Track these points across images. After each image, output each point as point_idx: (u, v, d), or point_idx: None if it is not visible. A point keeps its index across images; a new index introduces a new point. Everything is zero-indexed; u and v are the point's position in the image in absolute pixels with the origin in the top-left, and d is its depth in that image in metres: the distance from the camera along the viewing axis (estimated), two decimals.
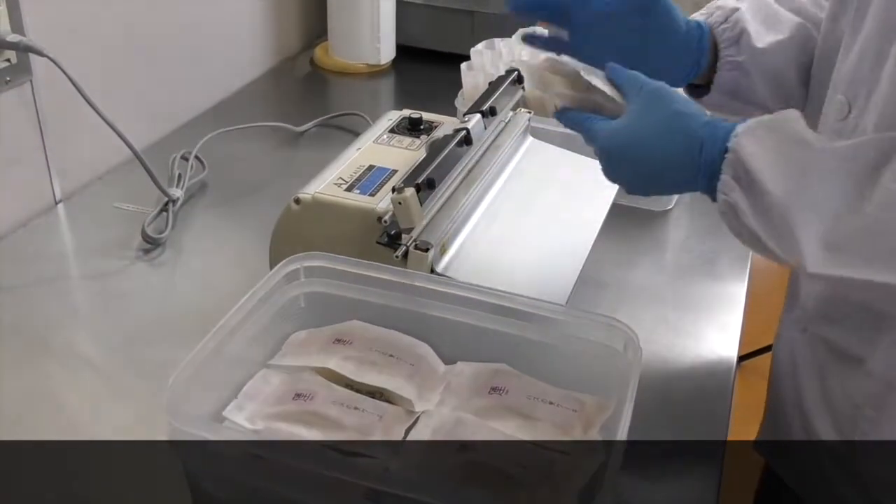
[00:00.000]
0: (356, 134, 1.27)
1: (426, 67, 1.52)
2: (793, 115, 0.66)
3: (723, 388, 0.87)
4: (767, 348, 1.70)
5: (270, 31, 1.50)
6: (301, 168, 1.19)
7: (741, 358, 0.94)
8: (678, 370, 0.89)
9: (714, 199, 0.69)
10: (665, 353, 0.90)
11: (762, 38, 0.85)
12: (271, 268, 0.88)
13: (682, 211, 1.13)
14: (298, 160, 1.23)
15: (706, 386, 0.87)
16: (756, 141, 0.66)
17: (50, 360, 0.84)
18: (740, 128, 0.67)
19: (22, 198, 1.03)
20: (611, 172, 0.75)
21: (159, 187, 1.04)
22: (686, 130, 0.70)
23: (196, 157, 1.14)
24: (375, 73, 1.50)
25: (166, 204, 1.04)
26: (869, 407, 0.77)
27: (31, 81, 1.00)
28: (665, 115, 0.71)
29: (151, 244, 1.00)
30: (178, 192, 1.05)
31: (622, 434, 0.58)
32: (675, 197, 1.12)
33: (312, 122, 1.29)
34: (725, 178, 0.67)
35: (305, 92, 1.48)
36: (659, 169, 0.71)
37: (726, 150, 0.67)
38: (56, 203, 1.08)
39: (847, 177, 0.62)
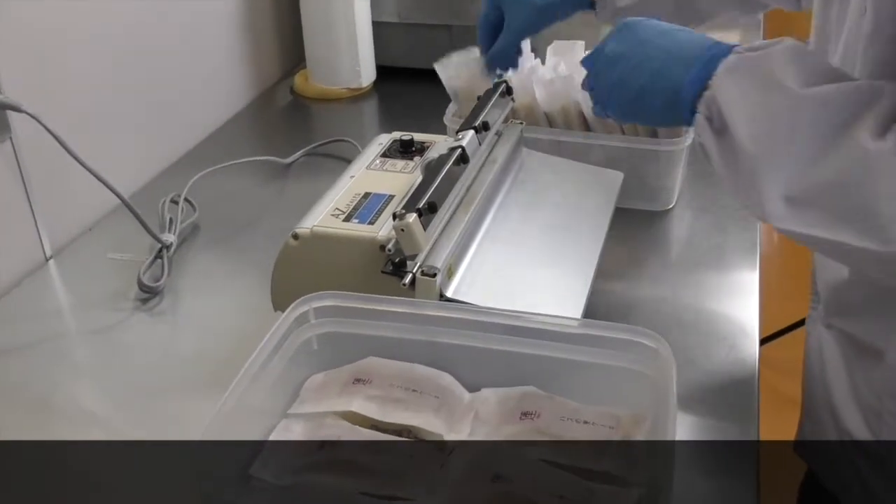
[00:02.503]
0: (345, 160, 1.26)
1: (408, 86, 1.50)
2: (779, 49, 0.63)
3: (748, 383, 0.85)
4: (782, 332, 1.69)
5: (248, 64, 1.48)
6: (292, 200, 1.18)
7: (766, 340, 0.93)
8: (700, 370, 0.86)
9: (684, 118, 0.69)
10: (686, 355, 0.88)
11: None
12: (274, 307, 0.87)
13: (683, 209, 1.12)
14: (289, 192, 1.20)
15: (731, 383, 0.85)
16: (735, 81, 0.64)
17: (56, 422, 0.81)
18: (722, 66, 0.65)
19: (11, 258, 1.00)
20: (600, 81, 0.76)
21: (151, 234, 1.01)
22: (688, 41, 0.70)
23: (186, 199, 1.11)
24: (357, 96, 1.48)
25: (160, 250, 1.01)
26: (891, 400, 0.75)
27: (10, 139, 0.97)
28: (665, 28, 0.72)
29: (149, 293, 0.97)
30: (171, 238, 1.03)
31: (671, 462, 0.55)
32: (676, 195, 1.11)
33: (299, 153, 1.27)
34: (699, 118, 0.65)
35: (288, 122, 1.46)
36: (655, 67, 0.70)
37: (707, 87, 0.65)
38: (47, 260, 1.05)
39: (819, 126, 0.59)
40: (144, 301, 0.97)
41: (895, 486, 0.78)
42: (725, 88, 0.64)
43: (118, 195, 1.00)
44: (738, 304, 0.96)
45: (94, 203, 1.11)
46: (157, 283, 0.97)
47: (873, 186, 0.56)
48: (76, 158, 0.97)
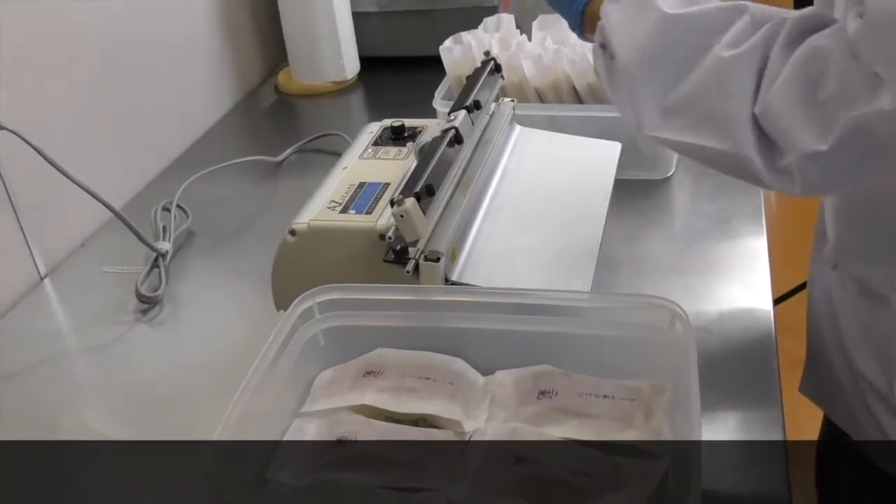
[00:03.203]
0: (336, 154, 1.24)
1: (393, 75, 1.48)
2: None
3: (766, 344, 0.83)
4: (795, 290, 1.66)
5: (231, 66, 1.45)
6: (286, 198, 1.16)
7: (775, 302, 0.92)
8: (717, 337, 0.85)
9: (575, 29, 0.77)
10: (699, 322, 0.86)
11: None
12: (276, 306, 0.85)
13: (683, 175, 1.10)
14: (282, 191, 1.18)
15: (749, 347, 0.84)
16: (620, 8, 0.69)
17: (66, 445, 0.79)
18: None
19: (5, 279, 0.98)
20: None
21: (146, 243, 0.99)
22: None
23: (178, 205, 1.09)
24: (343, 89, 1.46)
25: (156, 259, 0.99)
26: None
27: None
28: None
29: (148, 304, 0.95)
30: (166, 246, 1.01)
31: (697, 429, 0.53)
32: (674, 163, 1.09)
33: (289, 150, 1.25)
34: (594, 46, 0.72)
35: (276, 120, 1.44)
36: None
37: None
38: (42, 279, 1.03)
39: (686, 45, 0.65)
40: (144, 312, 0.95)
41: None
42: (612, 16, 0.70)
43: (109, 207, 0.98)
44: (748, 267, 0.94)
45: (85, 218, 1.09)
46: (156, 293, 0.95)
47: (725, 91, 0.62)
48: (64, 173, 0.95)
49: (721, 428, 0.74)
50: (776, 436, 0.73)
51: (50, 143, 0.96)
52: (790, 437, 0.75)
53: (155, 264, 0.99)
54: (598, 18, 0.71)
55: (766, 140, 0.61)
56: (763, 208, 1.03)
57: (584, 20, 0.76)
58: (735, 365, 0.81)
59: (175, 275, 1.00)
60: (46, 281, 1.03)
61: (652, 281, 0.92)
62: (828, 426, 0.97)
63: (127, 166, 1.19)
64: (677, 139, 0.65)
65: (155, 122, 1.25)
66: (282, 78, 1.49)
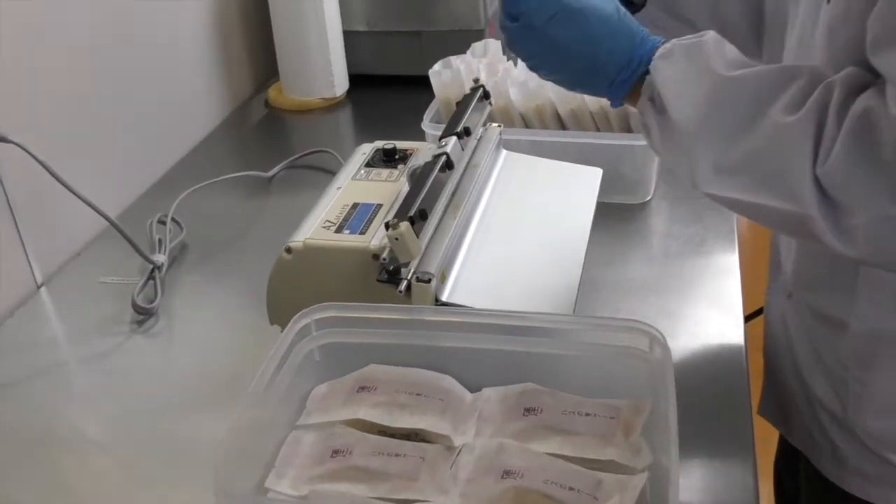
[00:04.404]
0: (325, 171, 1.28)
1: (381, 93, 1.52)
2: (708, 40, 0.70)
3: (737, 365, 0.88)
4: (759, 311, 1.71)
5: (222, 79, 1.48)
6: (277, 214, 1.19)
7: (749, 318, 0.97)
8: (691, 358, 0.89)
9: (614, 102, 0.75)
10: (675, 342, 0.90)
11: None
12: (271, 321, 0.88)
13: (659, 200, 1.14)
14: (273, 206, 1.22)
15: (721, 367, 0.88)
16: (670, 66, 0.70)
17: (60, 452, 0.82)
18: (660, 51, 0.72)
19: (3, 287, 1.01)
20: (530, 44, 0.75)
21: (143, 255, 1.02)
22: (626, 31, 0.73)
23: (173, 218, 1.12)
24: (332, 105, 1.50)
25: (152, 271, 1.02)
26: (855, 367, 0.80)
27: None
28: (611, 11, 0.74)
29: (144, 315, 0.98)
30: (161, 258, 1.04)
31: (674, 446, 0.58)
32: (653, 187, 1.14)
33: (280, 166, 1.28)
34: (643, 100, 0.72)
35: (266, 135, 1.47)
36: (588, 52, 0.73)
37: (647, 72, 0.71)
38: (38, 287, 1.05)
39: (743, 106, 0.66)
40: (140, 323, 0.98)
41: (856, 439, 0.82)
42: (663, 73, 0.70)
43: (108, 219, 1.01)
44: (721, 288, 0.99)
45: (81, 227, 1.11)
46: (152, 305, 0.98)
47: (785, 154, 0.63)
48: (64, 184, 0.98)
49: (694, 444, 0.78)
50: (746, 452, 0.78)
51: (48, 154, 0.98)
52: (759, 452, 0.79)
53: (151, 276, 1.02)
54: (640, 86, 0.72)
55: (829, 201, 0.62)
56: (736, 232, 1.08)
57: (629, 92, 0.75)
58: (708, 384, 0.85)
59: (170, 286, 1.03)
60: (43, 289, 1.05)
61: (630, 302, 0.96)
62: (784, 443, 1.02)
63: (121, 177, 1.22)
64: (735, 197, 0.66)
65: (148, 133, 1.28)
66: (272, 93, 1.52)
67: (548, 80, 0.79)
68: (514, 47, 0.77)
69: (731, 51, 0.70)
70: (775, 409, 0.96)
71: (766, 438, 0.98)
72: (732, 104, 0.66)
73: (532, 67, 0.77)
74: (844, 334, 0.79)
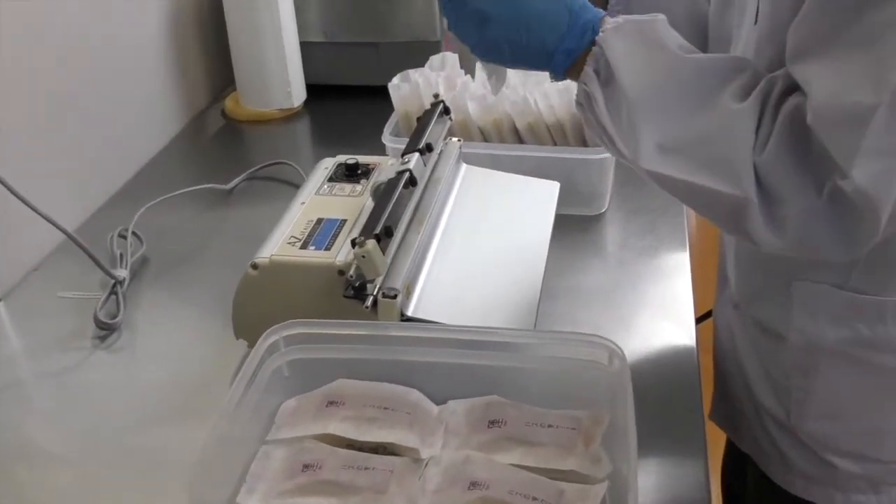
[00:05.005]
0: (285, 183, 1.29)
1: (338, 104, 1.53)
2: (661, 19, 0.71)
3: (689, 371, 0.91)
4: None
5: (178, 88, 1.48)
6: (237, 226, 1.20)
7: (700, 320, 1.01)
8: (644, 363, 0.92)
9: (557, 73, 0.74)
10: (629, 350, 0.93)
11: None
12: (236, 335, 0.89)
13: (614, 212, 1.18)
14: (233, 219, 1.22)
15: (674, 373, 0.91)
16: (622, 39, 0.70)
17: (24, 469, 0.82)
18: (610, 23, 0.72)
19: None
20: (460, 16, 0.75)
21: (104, 270, 1.02)
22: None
23: (133, 232, 1.12)
24: (289, 116, 1.50)
25: (114, 286, 1.02)
26: (796, 376, 0.84)
27: None
28: None
29: (106, 330, 0.98)
30: (123, 273, 1.03)
31: (633, 455, 0.60)
32: (608, 199, 1.17)
33: (239, 178, 1.28)
34: (587, 70, 0.72)
35: (223, 146, 1.47)
36: (534, 13, 0.72)
37: (593, 42, 0.71)
38: None
39: (695, 88, 0.67)
40: (102, 339, 0.98)
41: (800, 443, 0.87)
42: (614, 46, 0.70)
43: (69, 235, 1.01)
44: (673, 296, 1.02)
45: (38, 241, 1.11)
46: (115, 320, 0.98)
47: (731, 139, 0.65)
48: (23, 200, 0.97)
49: (649, 447, 0.81)
50: (699, 454, 0.81)
51: (2, 165, 0.97)
52: (711, 454, 0.83)
53: (112, 291, 1.02)
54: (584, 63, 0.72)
55: (764, 190, 0.64)
56: (688, 243, 1.11)
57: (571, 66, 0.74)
58: (661, 388, 0.88)
59: (131, 301, 1.03)
60: (1, 304, 1.04)
61: (586, 311, 0.99)
62: (731, 445, 1.06)
63: (78, 189, 1.21)
64: (677, 177, 0.67)
65: (104, 144, 1.27)
66: (229, 103, 1.52)
67: (489, 60, 0.78)
68: (455, 30, 0.77)
69: (678, 35, 0.72)
70: (725, 415, 1.00)
71: (714, 441, 1.02)
72: (686, 84, 0.68)
73: (473, 49, 0.77)
74: (785, 346, 0.84)
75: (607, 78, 0.71)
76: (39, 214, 0.99)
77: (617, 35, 0.71)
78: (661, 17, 0.72)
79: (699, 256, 1.13)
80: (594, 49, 0.71)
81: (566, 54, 0.73)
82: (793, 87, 0.65)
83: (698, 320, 1.01)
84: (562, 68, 0.74)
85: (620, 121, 0.70)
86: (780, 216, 0.65)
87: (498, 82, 0.85)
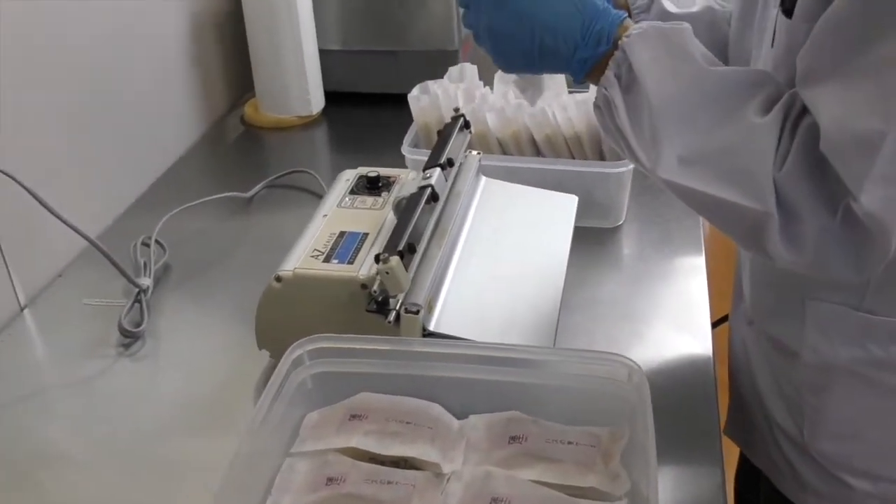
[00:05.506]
0: (304, 191, 1.30)
1: (356, 111, 1.55)
2: (686, 27, 0.71)
3: (706, 386, 0.91)
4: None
5: (198, 95, 1.49)
6: (258, 235, 1.21)
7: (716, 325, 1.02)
8: (662, 380, 0.93)
9: (576, 79, 0.75)
10: (645, 363, 0.94)
11: (673, 6, 0.91)
12: (259, 347, 0.91)
13: (631, 225, 1.19)
14: (254, 227, 1.23)
15: (690, 387, 0.91)
16: (646, 45, 0.70)
17: (47, 475, 0.83)
18: (634, 29, 0.72)
19: None
20: (481, 20, 0.75)
21: (129, 279, 1.03)
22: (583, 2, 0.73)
23: (156, 240, 1.14)
24: (308, 123, 1.52)
25: (138, 294, 1.03)
26: (809, 394, 0.85)
27: None
28: None
29: (130, 338, 0.99)
30: (147, 281, 1.05)
31: (653, 472, 0.61)
32: (625, 211, 1.18)
33: (259, 186, 1.30)
34: (608, 74, 0.72)
35: (243, 153, 1.48)
36: (542, 25, 0.73)
37: (615, 47, 0.72)
38: (21, 309, 1.06)
39: (718, 100, 0.68)
40: (126, 346, 0.99)
41: (814, 462, 0.87)
42: (638, 51, 0.70)
43: (94, 243, 1.02)
44: (690, 309, 1.03)
45: (63, 248, 1.12)
46: (139, 328, 1.00)
47: (754, 153, 0.65)
48: (48, 208, 0.99)
49: (666, 463, 0.82)
50: (715, 468, 0.82)
51: (29, 175, 0.99)
52: (728, 467, 0.84)
53: (136, 299, 1.03)
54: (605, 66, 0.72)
55: (783, 205, 0.64)
56: (704, 256, 1.12)
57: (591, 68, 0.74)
58: (677, 402, 0.89)
59: (155, 309, 1.04)
60: (26, 311, 1.06)
61: (603, 327, 1.00)
62: (745, 459, 1.07)
63: (99, 197, 1.23)
64: (697, 188, 0.67)
65: (126, 151, 1.28)
66: (248, 110, 1.54)
67: (510, 71, 0.78)
68: (478, 42, 0.78)
69: (702, 45, 0.72)
70: (739, 430, 1.00)
71: (728, 451, 1.03)
72: (710, 95, 0.68)
73: (495, 61, 0.77)
74: (798, 363, 0.84)
75: (629, 83, 0.71)
76: (63, 222, 1.01)
77: (642, 41, 0.71)
78: (687, 25, 0.72)
79: (713, 262, 1.14)
80: (616, 54, 0.71)
81: (581, 63, 0.74)
82: None
83: (714, 324, 1.02)
84: (579, 76, 0.75)
85: (641, 128, 0.70)
86: (797, 233, 0.65)
87: (535, 94, 0.86)
